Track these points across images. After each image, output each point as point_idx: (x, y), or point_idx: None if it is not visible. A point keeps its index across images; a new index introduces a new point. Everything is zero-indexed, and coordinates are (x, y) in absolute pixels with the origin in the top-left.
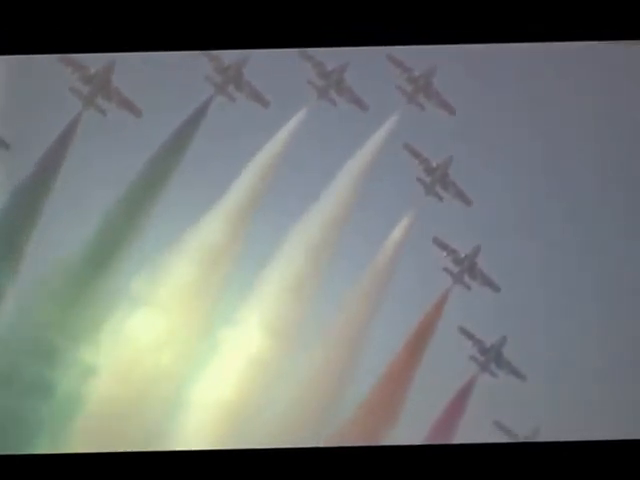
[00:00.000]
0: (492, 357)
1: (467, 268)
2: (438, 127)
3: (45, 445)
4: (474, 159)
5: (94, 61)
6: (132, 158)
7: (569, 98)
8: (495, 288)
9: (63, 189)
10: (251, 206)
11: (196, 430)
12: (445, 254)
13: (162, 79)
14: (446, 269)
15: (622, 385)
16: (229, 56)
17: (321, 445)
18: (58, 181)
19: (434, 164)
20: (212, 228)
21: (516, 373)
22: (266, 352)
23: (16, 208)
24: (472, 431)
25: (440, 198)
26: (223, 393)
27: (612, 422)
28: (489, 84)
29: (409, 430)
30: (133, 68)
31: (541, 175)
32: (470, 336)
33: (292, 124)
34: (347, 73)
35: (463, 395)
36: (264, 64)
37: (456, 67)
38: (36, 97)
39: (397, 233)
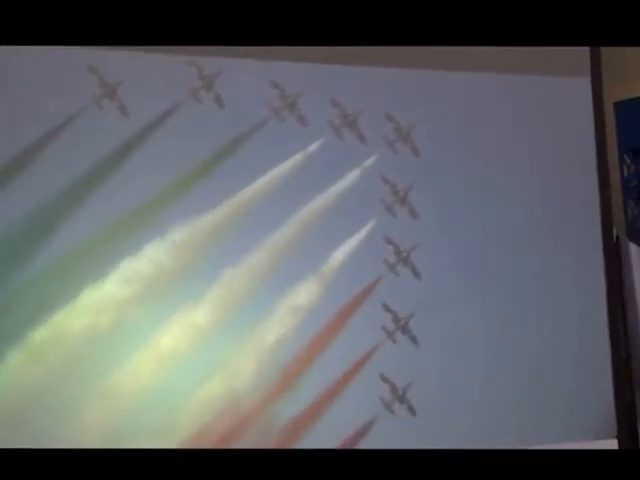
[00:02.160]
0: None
1: (403, 260)
2: (406, 165)
3: None
4: (430, 186)
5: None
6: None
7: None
8: (418, 275)
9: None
10: (231, 218)
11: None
12: (391, 248)
13: (242, 93)
14: (386, 260)
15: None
16: (291, 87)
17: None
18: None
19: (399, 188)
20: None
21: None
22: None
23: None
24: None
25: (394, 215)
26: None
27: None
28: (450, 132)
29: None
30: (234, 76)
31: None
32: (388, 308)
33: (311, 148)
34: (360, 118)
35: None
36: (314, 100)
37: (434, 121)
38: (166, 81)
39: (358, 235)
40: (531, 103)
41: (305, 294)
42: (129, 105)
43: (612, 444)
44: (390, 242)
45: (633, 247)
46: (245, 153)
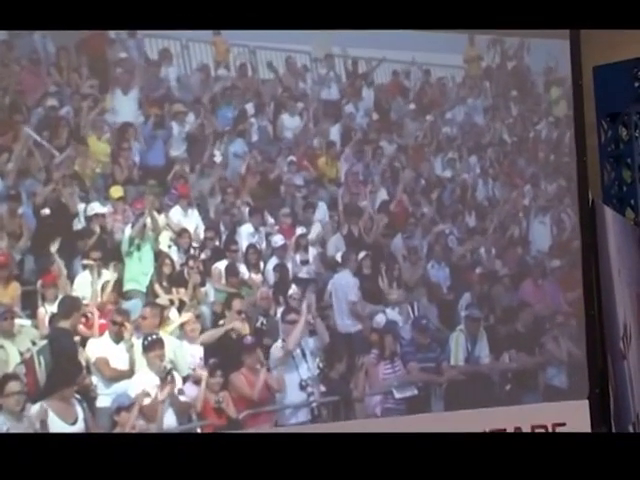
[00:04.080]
0: None
1: None
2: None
3: None
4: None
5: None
6: None
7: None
8: None
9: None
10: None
11: None
12: None
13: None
14: None
15: None
16: None
17: None
18: None
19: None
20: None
21: None
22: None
23: None
24: None
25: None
26: None
27: None
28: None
29: None
30: None
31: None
32: None
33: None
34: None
35: None
36: None
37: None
38: None
39: None
40: (511, 65)
41: None
42: None
43: (584, 404)
44: None
45: (608, 211)
46: None
